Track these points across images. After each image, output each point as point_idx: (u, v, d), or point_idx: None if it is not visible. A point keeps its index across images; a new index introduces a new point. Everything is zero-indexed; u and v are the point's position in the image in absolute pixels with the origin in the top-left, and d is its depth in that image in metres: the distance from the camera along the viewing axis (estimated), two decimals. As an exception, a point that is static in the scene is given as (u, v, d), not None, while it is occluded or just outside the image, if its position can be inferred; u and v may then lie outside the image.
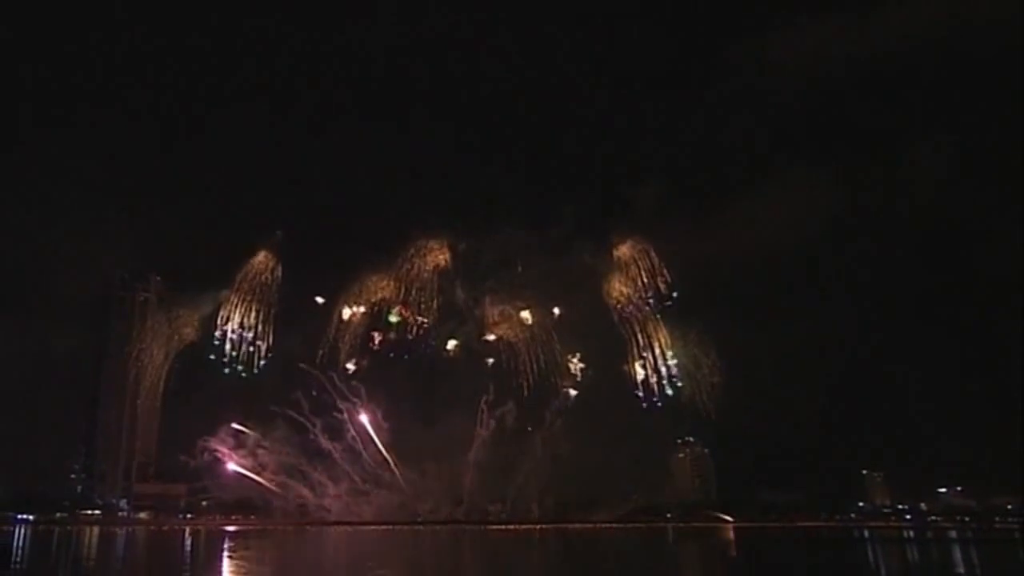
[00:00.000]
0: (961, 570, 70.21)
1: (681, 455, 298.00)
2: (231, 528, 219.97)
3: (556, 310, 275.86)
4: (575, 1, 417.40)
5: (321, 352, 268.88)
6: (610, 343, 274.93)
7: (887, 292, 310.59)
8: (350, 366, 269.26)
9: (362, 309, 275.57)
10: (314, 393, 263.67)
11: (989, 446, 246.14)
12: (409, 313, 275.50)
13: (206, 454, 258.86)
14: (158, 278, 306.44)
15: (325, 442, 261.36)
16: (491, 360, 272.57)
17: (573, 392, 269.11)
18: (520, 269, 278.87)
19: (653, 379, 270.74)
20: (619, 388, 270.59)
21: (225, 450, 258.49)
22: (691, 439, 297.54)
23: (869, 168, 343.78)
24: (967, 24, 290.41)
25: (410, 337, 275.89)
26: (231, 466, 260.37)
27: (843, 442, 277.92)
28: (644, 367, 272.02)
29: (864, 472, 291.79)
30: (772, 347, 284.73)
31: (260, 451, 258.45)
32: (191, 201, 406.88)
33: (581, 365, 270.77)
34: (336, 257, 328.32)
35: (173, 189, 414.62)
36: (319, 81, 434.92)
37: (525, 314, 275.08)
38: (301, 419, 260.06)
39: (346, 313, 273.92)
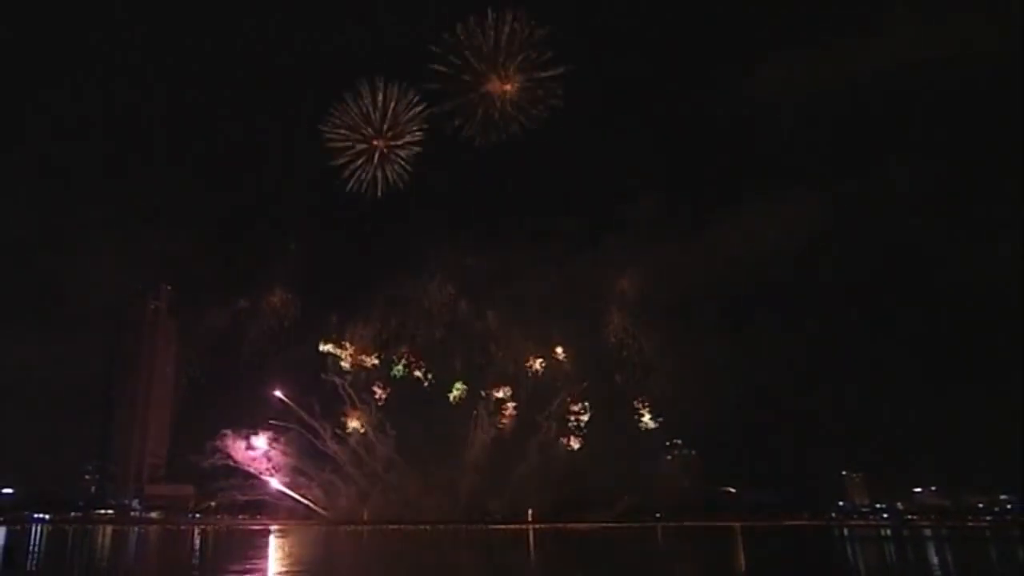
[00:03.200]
0: (936, 565, 76.12)
1: (670, 457, 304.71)
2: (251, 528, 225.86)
3: (558, 346, 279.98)
4: (575, 9, 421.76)
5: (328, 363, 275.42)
6: (606, 354, 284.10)
7: (879, 297, 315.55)
8: (353, 423, 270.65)
9: (375, 360, 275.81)
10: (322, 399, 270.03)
11: (962, 448, 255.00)
12: (414, 361, 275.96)
13: (217, 456, 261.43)
14: (169, 288, 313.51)
15: (333, 445, 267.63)
16: (507, 410, 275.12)
17: (577, 445, 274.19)
18: (520, 283, 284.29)
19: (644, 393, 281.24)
20: (613, 397, 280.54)
21: (235, 451, 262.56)
22: (679, 442, 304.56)
23: (866, 175, 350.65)
24: (958, 46, 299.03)
25: (424, 386, 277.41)
26: (241, 467, 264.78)
27: (824, 444, 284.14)
28: (636, 375, 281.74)
29: (844, 473, 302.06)
30: (758, 353, 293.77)
31: (271, 453, 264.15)
32: (200, 211, 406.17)
33: (586, 416, 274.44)
34: (344, 277, 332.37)
35: (182, 201, 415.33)
36: (320, 85, 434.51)
37: (534, 363, 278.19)
38: (311, 422, 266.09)
39: (347, 364, 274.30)
